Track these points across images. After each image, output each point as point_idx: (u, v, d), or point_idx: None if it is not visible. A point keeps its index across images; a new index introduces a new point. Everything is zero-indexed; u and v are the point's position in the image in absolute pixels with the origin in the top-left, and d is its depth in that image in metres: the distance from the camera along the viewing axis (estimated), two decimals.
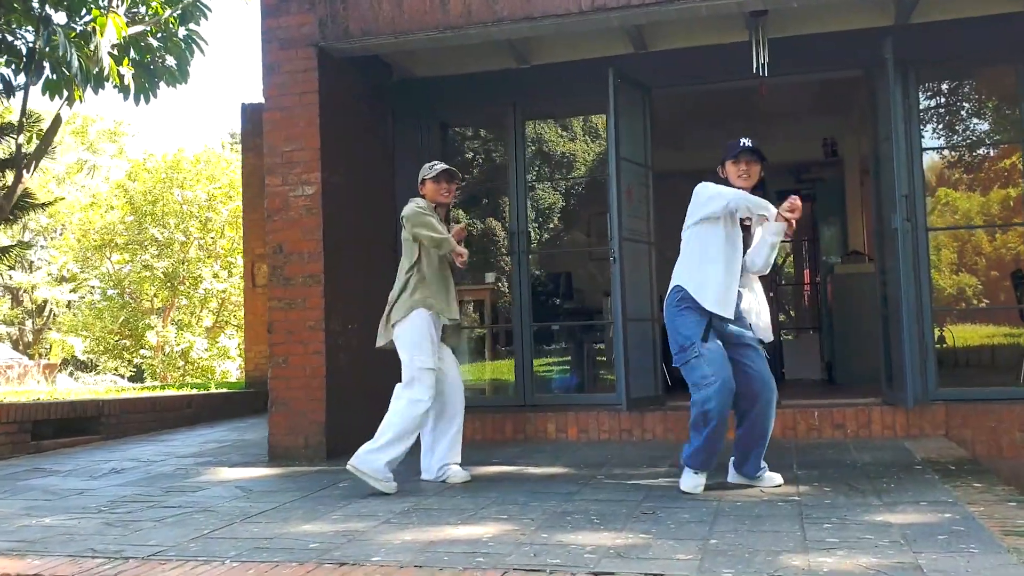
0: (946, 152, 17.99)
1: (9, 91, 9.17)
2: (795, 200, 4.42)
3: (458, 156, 13.45)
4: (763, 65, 6.10)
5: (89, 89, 9.08)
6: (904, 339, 6.00)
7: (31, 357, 30.26)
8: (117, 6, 9.22)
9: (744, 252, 4.56)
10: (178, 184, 26.68)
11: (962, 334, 14.26)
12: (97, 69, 8.40)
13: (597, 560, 3.24)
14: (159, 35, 9.99)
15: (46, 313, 34.08)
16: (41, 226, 32.89)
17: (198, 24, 10.16)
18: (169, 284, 27.46)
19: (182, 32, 10.15)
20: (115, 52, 9.09)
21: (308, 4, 6.21)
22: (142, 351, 28.57)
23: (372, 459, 4.82)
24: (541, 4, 5.80)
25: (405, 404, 4.88)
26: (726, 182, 4.57)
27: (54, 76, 8.43)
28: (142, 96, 9.70)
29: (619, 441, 6.47)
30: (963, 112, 15.02)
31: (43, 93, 8.69)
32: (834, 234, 10.60)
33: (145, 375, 29.12)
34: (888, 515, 3.83)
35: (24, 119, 9.11)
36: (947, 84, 13.09)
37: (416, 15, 6.01)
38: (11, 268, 32.90)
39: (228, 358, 27.40)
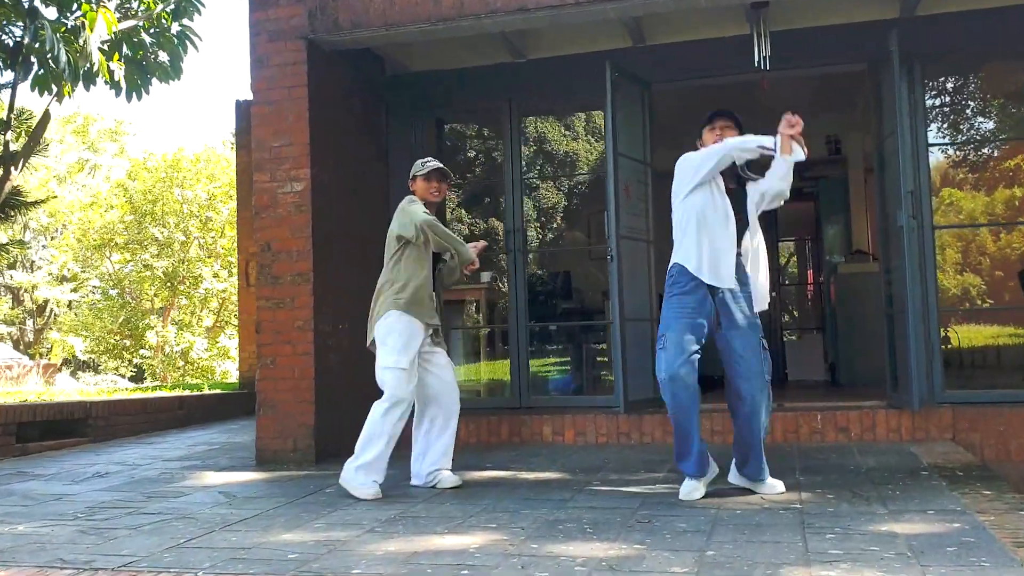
0: (951, 151, 17.79)
1: None
2: (790, 116, 4.26)
3: (454, 153, 13.29)
4: (765, 58, 5.94)
5: (81, 86, 8.96)
6: (910, 340, 5.83)
7: (32, 357, 30.13)
8: (108, 1, 9.09)
9: (737, 218, 4.37)
10: (178, 183, 26.56)
11: (967, 335, 14.07)
12: (87, 65, 8.26)
13: (588, 573, 3.08)
14: (152, 31, 9.86)
15: (47, 313, 33.92)
16: (42, 225, 32.80)
17: (191, 19, 10.02)
18: (169, 284, 27.34)
19: (175, 28, 10.01)
20: (105, 48, 8.96)
21: None
22: (142, 351, 28.44)
23: (355, 474, 4.73)
24: None
25: (376, 413, 4.77)
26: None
27: (42, 71, 8.27)
28: (134, 93, 9.57)
29: (617, 445, 6.31)
30: (968, 110, 14.83)
31: (32, 88, 8.55)
32: (838, 233, 10.43)
33: (145, 375, 29.01)
34: (894, 524, 3.66)
35: (11, 116, 8.95)
36: (953, 80, 12.92)
37: (407, 7, 5.85)
38: (11, 267, 32.95)
39: (228, 358, 27.24)
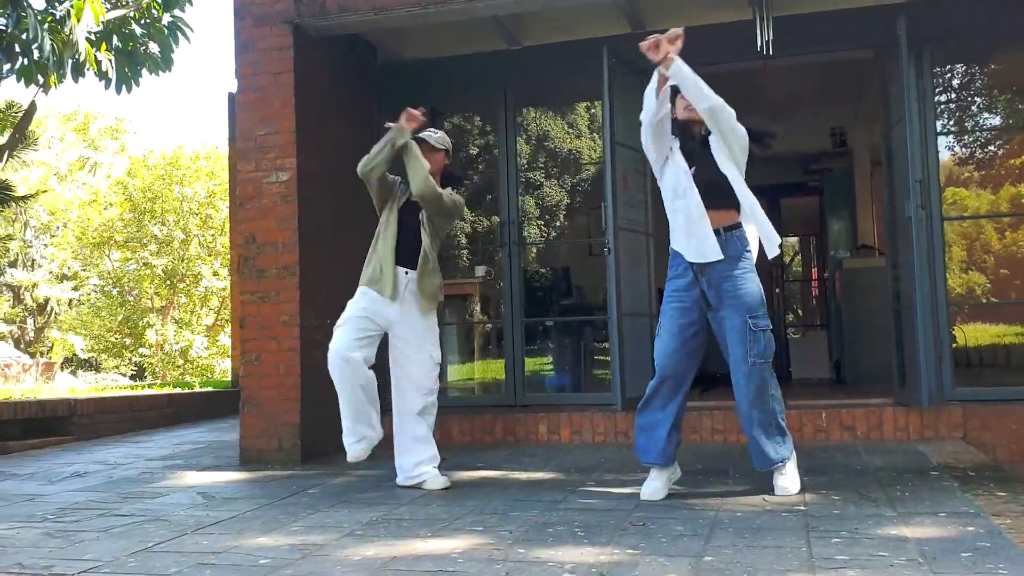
0: (957, 149, 17.54)
1: None
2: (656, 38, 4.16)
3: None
4: (767, 43, 5.72)
5: (69, 78, 8.78)
6: (918, 335, 5.61)
7: (32, 356, 30.00)
8: None
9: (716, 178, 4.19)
10: (177, 181, 26.38)
11: (973, 333, 13.85)
12: (73, 55, 8.07)
13: None
14: (143, 21, 9.68)
15: (48, 312, 33.78)
16: (42, 223, 32.66)
17: (183, 10, 9.85)
18: (169, 282, 27.18)
19: (166, 19, 9.83)
20: (93, 38, 8.78)
21: None
22: (141, 350, 28.28)
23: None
24: None
25: None
26: (675, 122, 4.34)
27: (25, 61, 8.08)
28: (124, 85, 9.39)
29: (614, 443, 6.09)
30: (975, 107, 14.59)
31: (17, 79, 8.36)
32: (843, 228, 10.21)
33: (146, 374, 28.86)
34: (903, 528, 3.44)
35: None
36: (962, 70, 12.68)
37: None
38: (12, 265, 32.79)
39: (228, 357, 27.04)
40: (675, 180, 4.23)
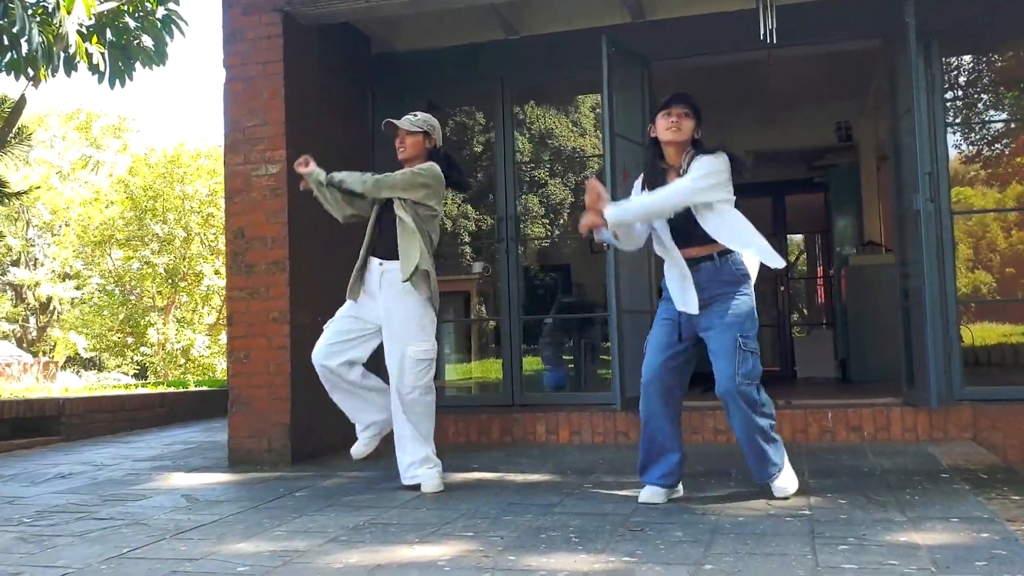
0: (963, 147, 17.33)
1: None
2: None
3: (444, 135, 12.88)
4: (771, 31, 5.53)
5: (62, 72, 8.63)
6: (927, 333, 5.43)
7: (35, 355, 29.89)
8: None
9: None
10: (178, 179, 26.23)
11: (979, 332, 13.64)
12: (64, 48, 7.92)
13: None
14: (136, 14, 9.53)
15: (50, 310, 33.67)
16: (44, 222, 32.55)
17: (177, 3, 9.68)
18: (170, 281, 27.03)
19: (160, 12, 9.67)
20: (85, 31, 8.63)
21: None
22: (142, 349, 28.15)
23: None
24: None
25: None
26: (655, 143, 4.07)
27: (14, 54, 7.92)
28: (117, 79, 9.23)
29: (613, 444, 5.93)
30: (982, 103, 14.40)
31: (7, 73, 8.21)
32: (848, 224, 10.02)
33: (148, 373, 28.73)
34: (914, 534, 3.27)
35: None
36: (969, 65, 12.49)
37: None
38: (14, 264, 32.68)
39: None
40: (659, 235, 4.09)
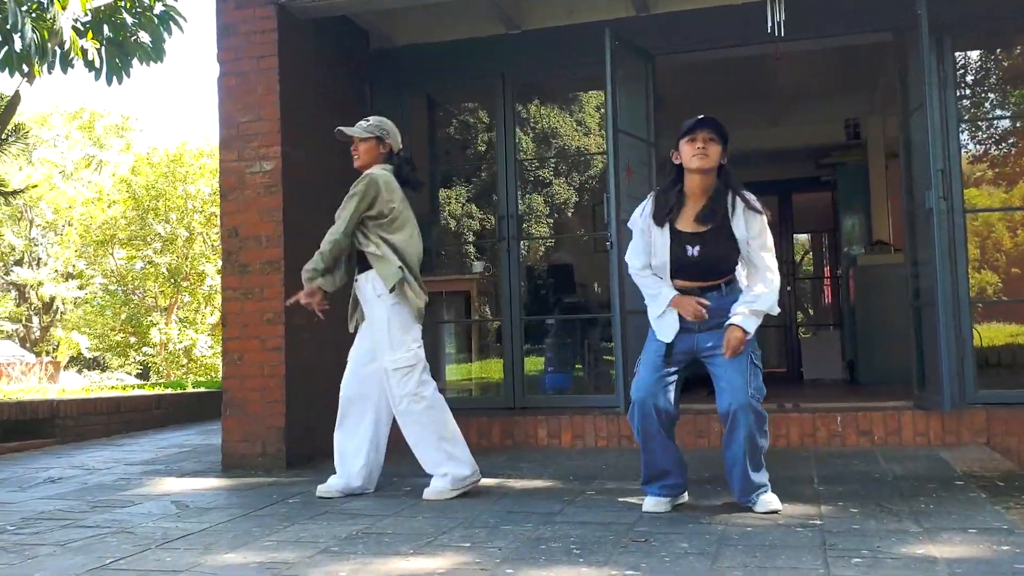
0: (970, 146, 17.16)
1: None
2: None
3: (444, 132, 12.70)
4: (779, 24, 5.38)
5: (58, 69, 8.50)
6: (940, 334, 5.27)
7: (38, 355, 29.80)
8: None
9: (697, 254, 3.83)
10: (180, 178, 26.12)
11: (987, 332, 13.48)
12: (59, 44, 7.78)
13: None
14: (134, 10, 9.39)
15: (53, 310, 33.59)
16: (47, 221, 32.47)
17: None
18: (172, 280, 26.93)
19: (158, 8, 9.54)
20: (81, 27, 8.50)
21: None
22: (144, 349, 28.04)
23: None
24: None
25: None
26: (679, 170, 3.86)
27: (7, 50, 7.78)
28: (115, 76, 9.10)
29: (617, 448, 5.78)
30: (990, 102, 14.24)
31: (1, 69, 8.06)
32: (856, 223, 9.86)
33: (151, 373, 28.62)
34: (930, 546, 3.13)
35: None
36: (978, 63, 12.34)
37: None
38: (17, 263, 32.59)
39: None
40: (659, 262, 3.89)
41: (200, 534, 3.73)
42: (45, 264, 32.68)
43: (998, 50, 11.97)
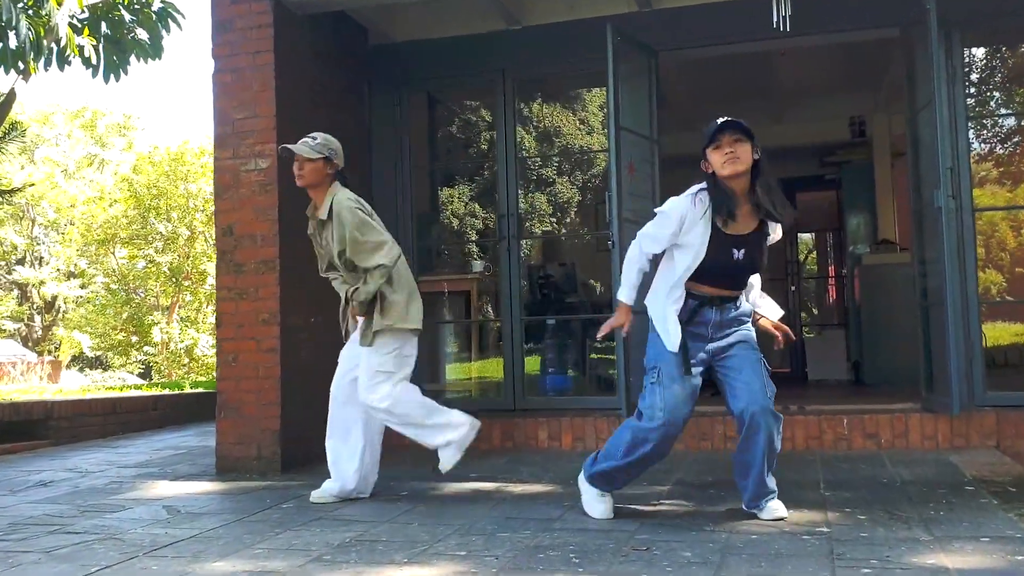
0: (976, 145, 17.02)
1: None
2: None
3: (444, 130, 12.60)
4: (785, 18, 5.26)
5: (55, 65, 8.41)
6: (949, 335, 5.16)
7: (40, 354, 29.75)
8: None
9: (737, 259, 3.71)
10: (182, 177, 26.05)
11: (992, 332, 13.36)
12: (54, 41, 7.69)
13: None
14: (132, 7, 9.30)
15: (55, 309, 33.53)
16: (49, 220, 32.42)
17: None
18: (174, 280, 26.86)
19: (157, 5, 9.45)
20: (77, 23, 8.40)
21: None
22: (146, 348, 27.98)
23: None
24: None
25: None
26: (713, 178, 3.65)
27: (1, 46, 7.69)
28: (112, 73, 9.00)
29: None
30: (995, 100, 14.11)
31: None
32: (861, 222, 9.75)
33: (153, 372, 28.55)
34: (942, 555, 3.02)
35: None
36: (983, 61, 12.21)
37: None
38: (20, 262, 32.53)
39: None
40: (690, 263, 3.70)
41: (189, 541, 3.63)
42: (47, 263, 32.63)
43: (1003, 48, 11.85)
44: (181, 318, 28.16)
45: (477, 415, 4.43)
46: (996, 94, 13.99)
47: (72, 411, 7.13)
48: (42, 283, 31.94)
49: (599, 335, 4.08)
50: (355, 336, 4.44)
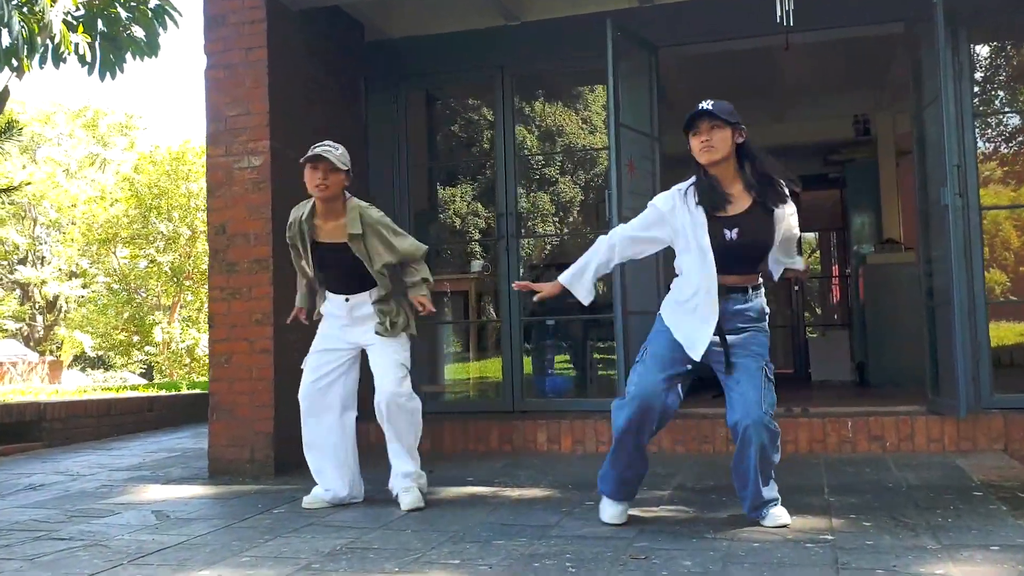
0: (980, 144, 16.88)
1: None
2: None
3: (443, 127, 12.49)
4: (788, 13, 5.16)
5: (50, 63, 8.33)
6: (956, 336, 5.06)
7: (41, 353, 29.71)
8: None
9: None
10: (183, 177, 25.98)
11: (995, 332, 13.27)
12: (49, 38, 7.60)
13: None
14: (128, 4, 9.21)
15: (57, 309, 33.48)
16: (51, 220, 32.36)
17: None
18: (175, 279, 26.80)
19: (153, 2, 9.36)
20: (72, 21, 8.32)
21: None
22: (147, 348, 27.92)
23: None
24: None
25: None
26: (699, 165, 3.62)
27: None
28: (108, 71, 8.92)
29: None
30: (999, 100, 14.01)
31: None
32: (866, 222, 9.64)
33: (155, 372, 28.50)
34: (951, 565, 2.92)
35: None
36: (987, 60, 12.10)
37: None
38: (21, 262, 32.48)
39: None
40: (697, 249, 3.62)
41: (176, 548, 3.53)
42: (48, 263, 32.58)
43: (1008, 45, 11.75)
44: (182, 318, 28.11)
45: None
46: (1000, 93, 13.89)
47: (66, 412, 7.04)
48: (44, 283, 31.90)
49: (516, 284, 4.12)
50: (328, 344, 4.33)
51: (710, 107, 3.54)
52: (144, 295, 28.32)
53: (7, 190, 9.44)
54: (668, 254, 4.97)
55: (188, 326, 27.45)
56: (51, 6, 7.45)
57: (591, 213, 16.08)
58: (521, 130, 15.74)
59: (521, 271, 6.54)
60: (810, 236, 16.74)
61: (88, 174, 33.37)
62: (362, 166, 6.22)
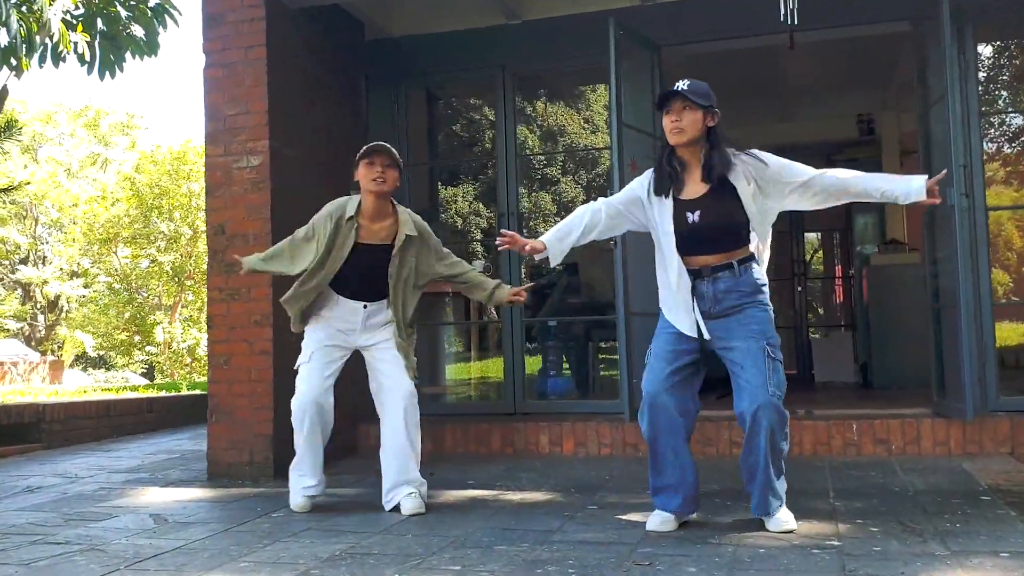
0: (983, 144, 16.83)
1: None
2: None
3: (444, 127, 12.43)
4: (792, 11, 5.11)
5: (49, 62, 8.29)
6: (962, 338, 5.00)
7: (43, 353, 29.68)
8: None
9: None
10: (184, 176, 25.94)
11: (999, 334, 13.18)
12: (48, 37, 7.56)
13: None
14: (128, 3, 9.17)
15: (58, 309, 33.46)
16: (52, 219, 32.34)
17: None
18: (176, 279, 26.77)
19: (153, 1, 9.31)
20: (71, 19, 8.28)
21: None
22: (148, 347, 27.90)
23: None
24: None
25: None
26: (665, 145, 3.65)
27: None
28: (107, 70, 8.87)
29: (622, 456, 5.53)
30: (1003, 100, 13.95)
31: None
32: (869, 222, 9.59)
33: (156, 372, 28.48)
34: (960, 571, 2.88)
35: None
36: (991, 59, 12.04)
37: None
38: (22, 262, 32.45)
39: None
40: (663, 234, 3.66)
41: (173, 553, 3.49)
42: (50, 262, 32.57)
43: (1013, 45, 11.69)
44: (184, 318, 28.08)
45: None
46: (1004, 93, 13.82)
47: (65, 414, 7.00)
48: (45, 282, 31.88)
49: (499, 241, 4.02)
50: (333, 340, 4.26)
51: (684, 88, 3.54)
52: (145, 295, 28.31)
53: (8, 189, 9.40)
54: None
55: (189, 326, 27.43)
56: (50, 5, 7.40)
57: None
58: (523, 129, 15.69)
59: (522, 271, 6.46)
60: (812, 236, 16.66)
61: (89, 174, 33.34)
62: None
